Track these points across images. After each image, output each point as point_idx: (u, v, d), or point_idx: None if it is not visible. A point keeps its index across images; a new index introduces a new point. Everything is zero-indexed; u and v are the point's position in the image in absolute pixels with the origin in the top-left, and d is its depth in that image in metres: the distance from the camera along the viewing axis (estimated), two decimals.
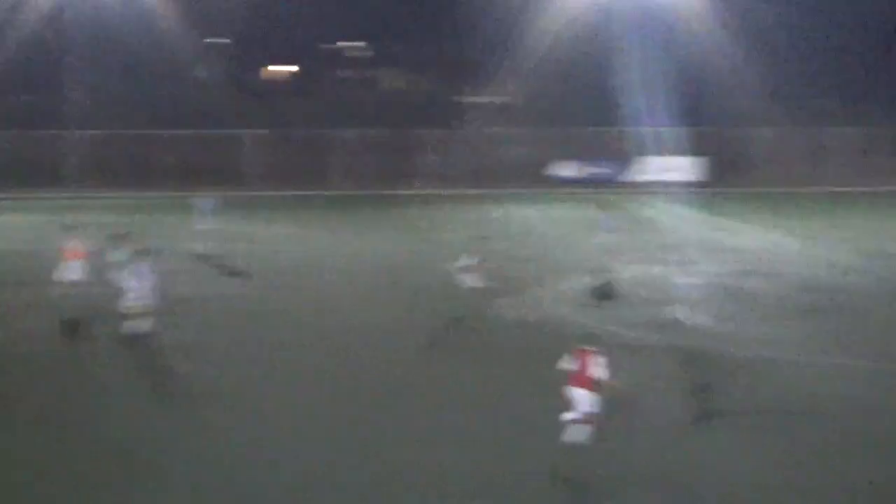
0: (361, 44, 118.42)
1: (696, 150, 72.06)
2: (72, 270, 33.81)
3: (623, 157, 72.92)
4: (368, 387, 26.88)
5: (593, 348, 22.42)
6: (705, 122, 74.38)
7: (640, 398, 24.49)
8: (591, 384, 22.08)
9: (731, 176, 71.47)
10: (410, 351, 30.31)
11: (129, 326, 27.95)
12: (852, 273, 41.94)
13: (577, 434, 21.86)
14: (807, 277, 40.99)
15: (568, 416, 22.28)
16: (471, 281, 33.63)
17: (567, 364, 22.29)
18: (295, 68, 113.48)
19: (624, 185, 70.62)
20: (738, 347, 30.77)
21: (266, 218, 57.72)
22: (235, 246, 47.07)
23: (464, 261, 34.15)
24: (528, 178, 71.41)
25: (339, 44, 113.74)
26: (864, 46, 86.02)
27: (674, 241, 49.40)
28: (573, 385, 22.25)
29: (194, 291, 37.65)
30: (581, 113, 75.26)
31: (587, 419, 22.05)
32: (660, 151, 72.11)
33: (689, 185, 69.21)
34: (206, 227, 48.83)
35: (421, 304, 35.94)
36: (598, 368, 22.11)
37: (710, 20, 75.92)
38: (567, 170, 72.12)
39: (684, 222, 56.58)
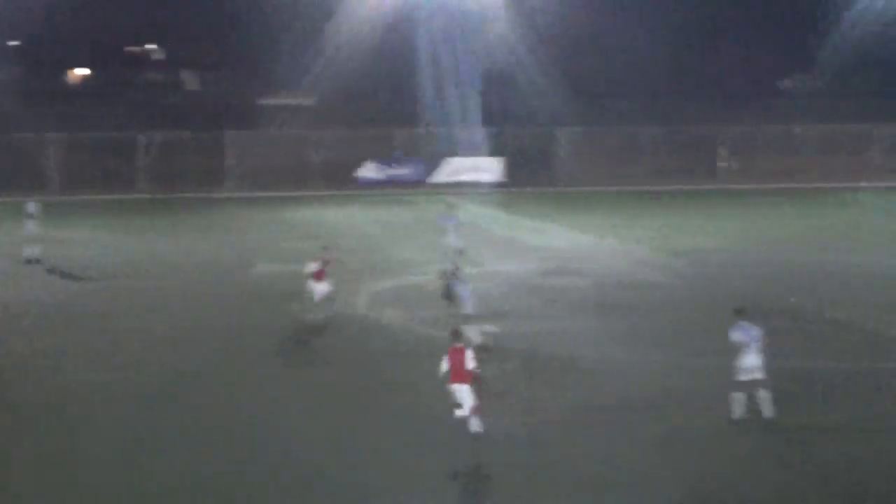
0: (154, 46, 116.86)
1: (500, 149, 72.98)
2: None
3: (428, 158, 73.39)
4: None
5: (462, 344, 23.27)
6: (509, 121, 75.44)
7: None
8: (470, 378, 22.91)
9: (535, 175, 72.61)
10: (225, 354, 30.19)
11: None
12: (657, 270, 43.06)
13: (475, 426, 22.65)
14: (610, 275, 42.02)
15: (459, 412, 22.95)
16: (320, 288, 34.06)
17: (445, 365, 22.98)
18: (90, 71, 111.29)
19: (429, 185, 71.15)
20: (538, 343, 31.47)
21: (74, 224, 56.40)
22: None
23: (310, 267, 34.30)
24: (335, 180, 71.37)
25: (137, 46, 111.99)
26: (668, 49, 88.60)
27: (476, 240, 49.97)
28: (455, 382, 22.95)
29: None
30: (386, 114, 75.56)
31: (475, 410, 22.87)
32: (465, 152, 72.80)
33: (493, 184, 70.10)
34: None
35: (224, 308, 35.85)
36: (471, 362, 22.98)
37: (515, 22, 77.06)
38: (372, 171, 72.24)
39: (488, 222, 57.27)
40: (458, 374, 23.11)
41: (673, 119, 78.34)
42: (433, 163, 72.67)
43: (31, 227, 45.29)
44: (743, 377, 23.84)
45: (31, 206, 45.70)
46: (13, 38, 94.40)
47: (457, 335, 23.90)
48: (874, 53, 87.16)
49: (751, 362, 23.74)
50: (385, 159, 72.82)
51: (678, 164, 75.04)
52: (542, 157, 74.72)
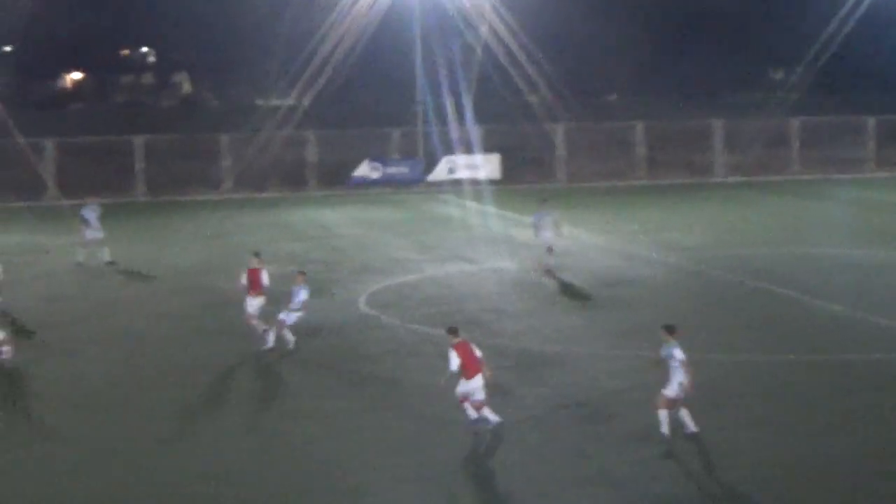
0: (147, 49, 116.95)
1: (495, 147, 73.21)
2: None
3: (421, 157, 73.61)
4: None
5: (462, 338, 23.58)
6: (504, 119, 75.67)
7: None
8: (481, 366, 23.25)
9: (530, 172, 72.87)
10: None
11: None
12: (650, 265, 43.25)
13: (492, 418, 22.99)
14: (603, 270, 42.21)
15: (474, 414, 23.27)
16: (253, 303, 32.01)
17: (455, 363, 23.17)
18: (83, 75, 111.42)
19: (422, 184, 71.37)
20: (529, 340, 31.71)
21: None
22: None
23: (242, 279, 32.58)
24: (330, 180, 71.61)
25: (130, 50, 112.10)
26: (654, 44, 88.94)
27: (471, 238, 50.26)
28: (472, 376, 23.19)
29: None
30: (381, 113, 75.77)
31: (483, 403, 23.25)
32: (457, 150, 72.99)
33: (489, 182, 70.29)
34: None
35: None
36: (478, 350, 23.42)
37: (509, 18, 77.22)
38: (368, 171, 72.42)
39: (481, 219, 57.53)
40: (472, 366, 23.40)
41: (665, 113, 78.66)
42: (429, 161, 72.88)
43: (93, 230, 45.49)
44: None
45: (91, 210, 45.97)
46: (6, 44, 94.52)
47: (454, 331, 24.03)
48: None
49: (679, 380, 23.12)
50: (381, 158, 73.00)
51: (671, 158, 75.36)
52: (536, 153, 75.00)
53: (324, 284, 38.62)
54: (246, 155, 71.22)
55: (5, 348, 29.87)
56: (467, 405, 23.59)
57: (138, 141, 71.24)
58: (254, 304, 31.55)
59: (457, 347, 23.53)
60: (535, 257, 41.61)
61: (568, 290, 38.88)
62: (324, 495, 20.85)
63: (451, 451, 22.72)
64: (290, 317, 30.86)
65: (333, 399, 26.68)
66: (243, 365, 30.19)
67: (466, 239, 50.16)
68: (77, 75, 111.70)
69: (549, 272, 40.60)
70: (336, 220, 58.83)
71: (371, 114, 77.96)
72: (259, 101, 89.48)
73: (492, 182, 70.41)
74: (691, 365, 22.77)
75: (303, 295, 30.89)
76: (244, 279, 31.74)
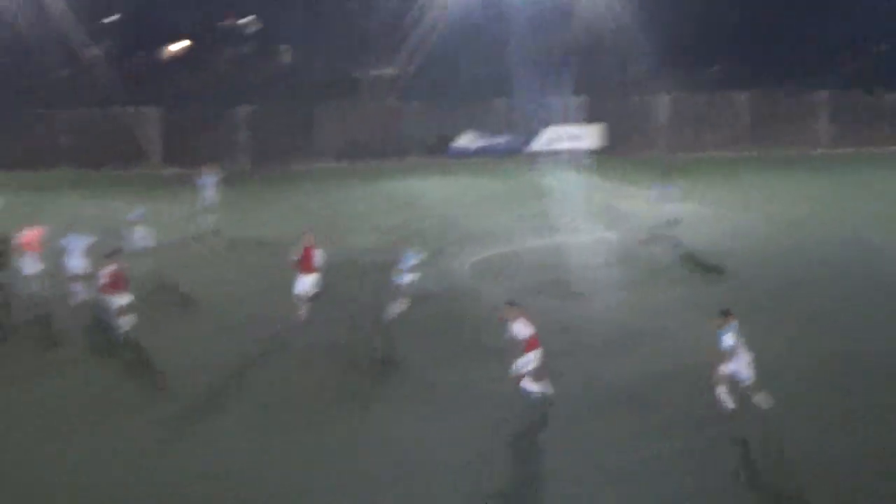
0: (252, 17, 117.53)
1: (594, 117, 72.52)
2: (30, 263, 33.54)
3: (522, 127, 73.14)
4: None
5: (520, 309, 23.57)
6: (603, 89, 74.91)
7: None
8: (538, 339, 23.29)
9: (632, 142, 72.10)
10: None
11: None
12: (752, 238, 42.54)
13: (547, 388, 23.01)
14: (704, 242, 41.56)
15: (534, 385, 23.24)
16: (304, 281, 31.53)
17: (528, 330, 23.19)
18: (187, 44, 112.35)
19: (523, 154, 70.96)
20: (623, 314, 31.38)
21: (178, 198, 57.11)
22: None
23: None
24: (428, 150, 71.50)
25: (230, 20, 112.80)
26: (764, 10, 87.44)
27: (572, 208, 49.89)
28: (531, 349, 23.21)
29: None
30: (478, 84, 75.36)
31: (536, 374, 23.27)
32: (558, 120, 72.44)
33: (590, 152, 69.71)
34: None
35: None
36: (530, 320, 23.45)
37: None
38: (467, 141, 72.19)
39: (583, 190, 57.07)
40: (532, 339, 23.41)
41: (769, 82, 77.33)
42: (530, 132, 72.38)
43: (210, 197, 45.96)
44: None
45: (209, 178, 46.46)
46: (111, 13, 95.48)
47: (513, 304, 23.98)
48: None
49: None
50: (481, 129, 72.69)
51: (776, 128, 74.06)
52: (639, 123, 74.19)
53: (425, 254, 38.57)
54: (347, 125, 71.31)
55: (125, 318, 30.12)
56: (526, 381, 23.39)
57: (241, 111, 71.65)
58: (305, 282, 30.79)
59: (519, 320, 23.34)
60: (643, 228, 41.17)
61: (671, 262, 38.41)
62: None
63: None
64: (403, 278, 30.75)
65: (443, 364, 26.64)
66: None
67: (568, 209, 49.76)
68: (180, 44, 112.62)
69: (657, 242, 40.20)
70: (437, 189, 58.68)
71: (472, 84, 77.49)
72: (360, 72, 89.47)
73: (594, 152, 69.80)
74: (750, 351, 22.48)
75: (413, 259, 30.95)
76: (298, 255, 30.82)
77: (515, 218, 47.84)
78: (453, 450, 21.99)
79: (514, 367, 23.43)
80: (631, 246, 40.80)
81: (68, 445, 23.07)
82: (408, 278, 30.63)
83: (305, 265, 30.53)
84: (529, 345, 23.31)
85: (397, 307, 30.56)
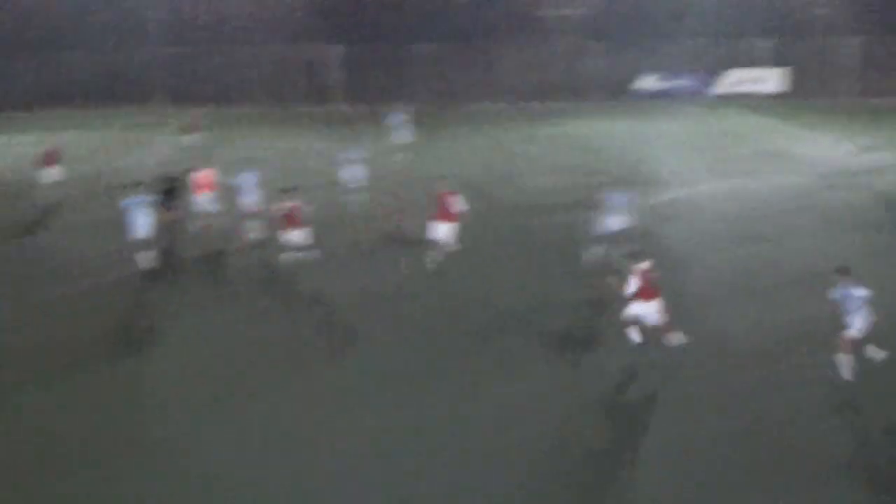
0: None
1: (779, 60, 70.97)
2: (205, 202, 34.44)
3: (706, 70, 71.98)
4: None
5: (643, 264, 23.39)
6: (789, 31, 73.19)
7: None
8: (654, 292, 23.10)
9: (815, 87, 70.38)
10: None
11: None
12: None
13: (677, 339, 22.84)
14: (886, 191, 40.35)
15: (638, 338, 23.22)
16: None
17: (634, 285, 23.06)
18: None
19: (707, 97, 69.88)
20: (807, 258, 30.78)
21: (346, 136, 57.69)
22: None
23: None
24: (609, 91, 70.91)
25: None
26: None
27: (756, 153, 49.06)
28: (647, 299, 23.10)
29: None
30: (662, 24, 74.30)
31: (663, 328, 23.14)
32: (742, 63, 71.09)
33: (775, 95, 68.37)
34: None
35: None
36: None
37: None
38: (648, 83, 71.40)
39: (765, 134, 55.96)
40: (649, 292, 23.14)
41: None
42: (714, 74, 71.24)
43: (401, 135, 46.59)
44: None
45: (398, 117, 47.09)
46: None
47: (637, 256, 23.68)
48: None
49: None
50: (663, 71, 71.83)
51: None
52: (823, 67, 72.39)
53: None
54: (526, 65, 71.11)
55: (302, 253, 30.84)
56: (632, 329, 23.34)
57: (418, 49, 71.99)
58: (442, 230, 30.36)
59: (639, 273, 23.16)
60: (830, 174, 40.23)
61: (846, 209, 37.45)
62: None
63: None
64: (612, 223, 30.36)
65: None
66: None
67: (751, 154, 48.96)
68: None
69: (848, 188, 39.43)
70: (618, 132, 58.16)
71: (655, 24, 76.42)
72: (541, 10, 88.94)
73: (779, 96, 68.44)
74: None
75: (620, 201, 30.58)
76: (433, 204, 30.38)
77: (697, 161, 47.24)
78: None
79: (624, 314, 23.50)
80: (805, 192, 39.91)
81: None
82: (616, 222, 29.95)
83: (441, 213, 30.37)
84: (641, 294, 23.11)
85: (599, 252, 30.10)
